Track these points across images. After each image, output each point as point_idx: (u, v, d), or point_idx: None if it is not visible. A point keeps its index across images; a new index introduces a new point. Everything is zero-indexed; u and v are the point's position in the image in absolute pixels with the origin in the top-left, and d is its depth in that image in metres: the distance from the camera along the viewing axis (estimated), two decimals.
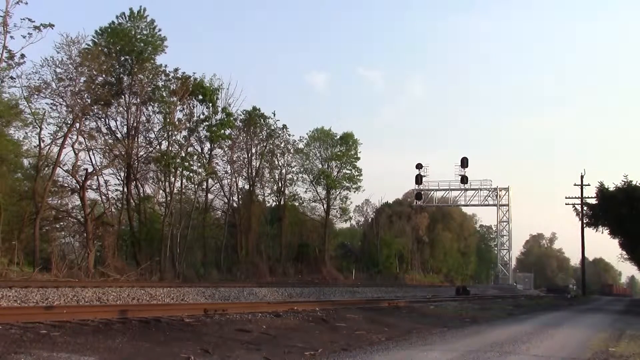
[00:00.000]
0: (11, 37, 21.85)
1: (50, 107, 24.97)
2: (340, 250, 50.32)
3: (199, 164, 32.00)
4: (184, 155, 30.15)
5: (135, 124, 28.68)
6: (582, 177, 44.76)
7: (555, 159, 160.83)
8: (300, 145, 42.35)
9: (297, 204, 43.50)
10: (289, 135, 38.76)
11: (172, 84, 29.16)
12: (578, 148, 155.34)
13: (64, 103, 25.00)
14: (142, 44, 28.61)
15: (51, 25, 22.62)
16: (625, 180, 31.11)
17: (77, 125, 25.72)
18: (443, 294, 36.33)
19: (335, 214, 45.92)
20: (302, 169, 43.59)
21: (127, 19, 28.69)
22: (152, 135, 30.02)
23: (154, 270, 26.54)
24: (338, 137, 44.80)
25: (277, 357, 7.72)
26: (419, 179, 59.02)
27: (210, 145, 33.06)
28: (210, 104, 31.65)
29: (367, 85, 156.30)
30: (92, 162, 27.45)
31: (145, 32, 28.86)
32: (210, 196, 35.50)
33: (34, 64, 25.02)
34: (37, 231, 23.42)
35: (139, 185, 30.24)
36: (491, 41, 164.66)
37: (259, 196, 39.17)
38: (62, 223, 28.34)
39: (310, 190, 44.34)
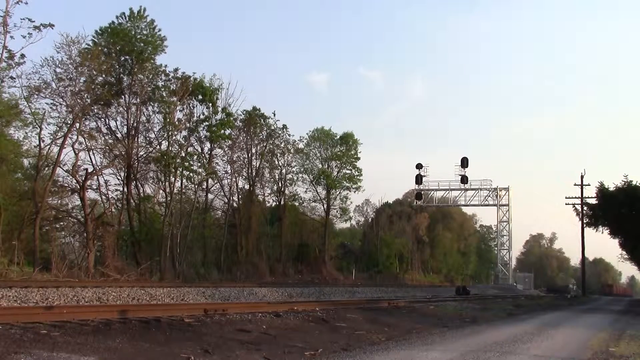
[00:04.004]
0: (11, 37, 21.80)
1: (50, 107, 24.98)
2: (340, 250, 50.28)
3: (199, 164, 32.00)
4: (184, 155, 30.13)
5: (135, 124, 28.68)
6: (582, 177, 44.85)
7: (555, 159, 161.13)
8: (300, 145, 42.35)
9: (297, 204, 43.48)
10: (289, 135, 38.76)
11: (172, 84, 29.15)
12: (578, 148, 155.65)
13: (64, 103, 24.99)
14: (142, 44, 28.58)
15: (51, 25, 22.59)
16: (625, 180, 31.22)
17: (77, 125, 25.70)
18: (443, 294, 36.32)
19: (335, 214, 45.94)
20: (302, 169, 43.60)
21: (127, 19, 28.68)
22: (152, 135, 30.05)
23: (154, 270, 26.54)
24: (338, 137, 44.78)
25: (277, 357, 7.72)
26: (419, 179, 58.99)
27: (210, 145, 33.06)
28: (210, 104, 31.62)
29: (367, 85, 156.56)
30: (92, 162, 27.47)
31: (145, 32, 28.83)
32: (210, 196, 35.53)
33: (34, 64, 25.03)
34: (37, 231, 23.39)
35: (139, 185, 30.25)
36: (491, 41, 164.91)
37: (259, 196, 39.19)
38: (62, 223, 28.32)
39: (310, 190, 44.37)
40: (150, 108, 29.72)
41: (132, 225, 29.40)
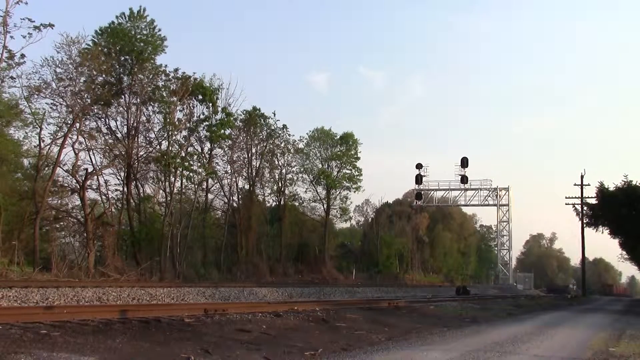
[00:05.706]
0: (11, 37, 21.76)
1: (50, 107, 24.98)
2: (340, 250, 50.29)
3: (199, 164, 31.97)
4: (184, 155, 30.13)
5: (135, 124, 28.65)
6: (582, 177, 44.83)
7: (555, 159, 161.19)
8: (300, 145, 42.31)
9: (297, 204, 43.48)
10: (289, 135, 38.73)
11: (172, 84, 29.13)
12: (578, 148, 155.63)
13: (64, 103, 24.98)
14: (142, 44, 28.56)
15: (51, 25, 22.56)
16: (625, 180, 31.20)
17: (77, 125, 25.70)
18: (443, 294, 36.36)
19: (335, 214, 45.92)
20: (302, 169, 43.58)
21: (127, 19, 28.64)
22: (152, 135, 30.01)
23: (154, 270, 26.52)
24: (338, 137, 44.77)
25: (277, 357, 7.72)
26: (419, 179, 59.02)
27: (210, 145, 33.03)
28: (210, 104, 31.61)
29: (367, 85, 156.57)
30: (92, 162, 27.44)
31: (145, 32, 28.80)
32: (210, 196, 35.50)
33: (34, 64, 24.97)
34: (37, 231, 23.38)
35: (139, 185, 30.22)
36: (491, 41, 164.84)
37: (259, 196, 39.16)
38: (62, 223, 28.29)
39: (310, 190, 44.37)
40: (150, 108, 29.71)
41: (132, 225, 29.39)
